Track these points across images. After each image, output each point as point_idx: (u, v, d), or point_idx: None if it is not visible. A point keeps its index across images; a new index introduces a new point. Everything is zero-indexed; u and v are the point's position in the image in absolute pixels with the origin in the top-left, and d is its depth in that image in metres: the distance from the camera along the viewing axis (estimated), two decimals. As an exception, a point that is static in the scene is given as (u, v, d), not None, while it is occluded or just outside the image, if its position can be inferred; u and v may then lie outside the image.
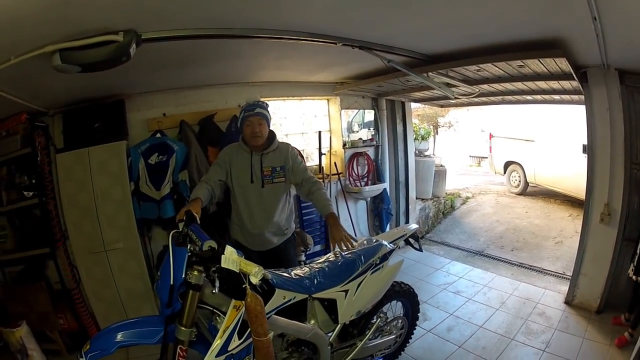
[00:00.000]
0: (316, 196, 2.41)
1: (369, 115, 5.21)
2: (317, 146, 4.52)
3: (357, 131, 5.16)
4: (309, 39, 2.31)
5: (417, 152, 6.30)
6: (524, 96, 4.28)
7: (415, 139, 6.54)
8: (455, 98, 4.20)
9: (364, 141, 5.02)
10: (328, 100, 4.82)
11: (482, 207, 7.14)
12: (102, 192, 3.11)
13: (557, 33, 2.36)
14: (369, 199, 5.03)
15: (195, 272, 1.56)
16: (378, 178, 5.10)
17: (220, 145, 3.39)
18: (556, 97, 4.13)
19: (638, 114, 2.95)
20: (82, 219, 3.10)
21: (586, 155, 3.34)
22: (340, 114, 4.78)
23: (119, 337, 1.58)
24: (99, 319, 3.18)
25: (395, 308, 2.59)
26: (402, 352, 2.69)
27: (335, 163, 4.74)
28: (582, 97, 3.25)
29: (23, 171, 3.05)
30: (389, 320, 2.48)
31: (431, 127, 9.30)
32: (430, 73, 3.22)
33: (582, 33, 2.23)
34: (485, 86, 3.73)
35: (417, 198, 5.84)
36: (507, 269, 4.36)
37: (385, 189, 5.05)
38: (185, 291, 1.57)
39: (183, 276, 1.56)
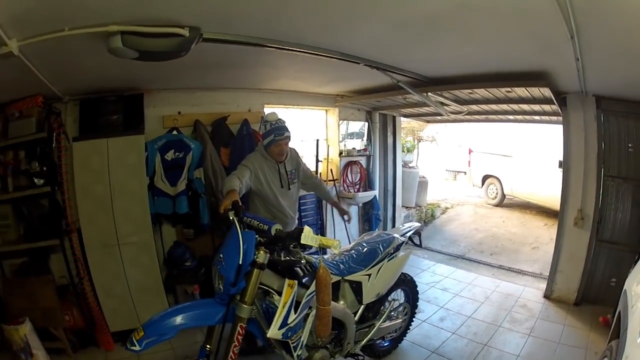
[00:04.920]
0: (322, 189, 3.50)
1: (353, 126, 5.80)
2: (315, 153, 5.03)
3: (341, 141, 5.69)
4: (340, 57, 2.79)
5: (403, 163, 6.96)
6: (507, 116, 4.96)
7: (402, 150, 7.22)
8: (446, 115, 4.82)
9: (358, 151, 5.61)
10: (327, 110, 5.37)
11: (461, 217, 7.88)
12: (119, 184, 3.24)
13: (544, 67, 2.98)
14: (360, 204, 5.59)
15: (262, 252, 1.87)
16: (369, 185, 5.72)
17: (232, 147, 3.86)
18: (536, 117, 4.82)
19: (612, 133, 3.60)
20: (97, 210, 3.20)
21: (562, 169, 3.99)
22: (338, 125, 5.32)
23: (179, 320, 1.74)
24: (107, 314, 3.24)
25: (399, 296, 3.08)
26: (404, 338, 3.17)
27: (331, 170, 5.28)
28: (559, 117, 3.91)
29: (33, 157, 3.04)
30: (395, 306, 2.95)
31: (415, 140, 10.07)
32: (430, 93, 3.80)
33: (566, 68, 2.83)
34: (473, 106, 4.37)
35: (402, 206, 6.51)
36: (488, 270, 4.97)
37: (375, 196, 5.65)
38: (249, 270, 1.86)
39: (252, 257, 1.85)
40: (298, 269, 1.98)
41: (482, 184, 9.04)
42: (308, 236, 1.84)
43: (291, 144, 3.07)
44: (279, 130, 2.84)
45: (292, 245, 1.90)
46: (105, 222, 3.23)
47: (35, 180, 3.02)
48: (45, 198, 3.11)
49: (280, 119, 2.89)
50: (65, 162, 3.12)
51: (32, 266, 3.14)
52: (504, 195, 8.48)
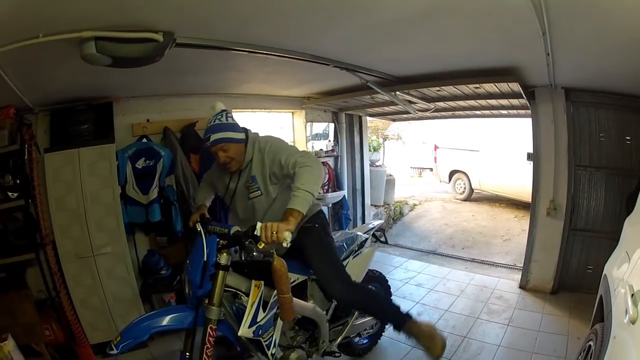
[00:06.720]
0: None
1: (317, 127, 5.89)
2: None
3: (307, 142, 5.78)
4: (310, 59, 2.83)
5: (370, 162, 7.09)
6: (474, 111, 5.12)
7: (369, 150, 7.36)
8: (414, 113, 4.95)
9: (326, 152, 5.71)
10: (293, 113, 5.42)
11: (430, 213, 8.08)
12: (92, 194, 3.22)
13: (514, 63, 3.08)
14: (330, 205, 5.68)
15: (225, 254, 1.97)
16: (338, 186, 5.80)
17: (200, 153, 3.82)
18: (503, 111, 4.98)
19: (582, 124, 3.74)
20: (70, 222, 3.18)
21: (531, 161, 4.14)
22: (305, 127, 5.40)
23: (152, 324, 1.88)
24: (85, 327, 3.18)
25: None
26: (382, 334, 3.24)
27: (299, 172, 5.33)
28: (528, 111, 4.03)
29: (6, 170, 2.95)
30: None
31: (381, 138, 10.27)
32: (398, 92, 3.91)
33: (536, 63, 2.92)
34: (441, 103, 4.50)
35: (371, 205, 6.66)
36: (461, 264, 5.12)
37: (344, 196, 5.77)
38: (214, 273, 1.94)
39: (215, 259, 1.94)
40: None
41: (449, 179, 9.31)
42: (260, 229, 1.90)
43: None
44: (206, 133, 2.27)
45: (247, 242, 1.96)
46: (79, 234, 3.21)
47: (9, 194, 2.95)
48: (19, 211, 3.05)
49: (217, 115, 2.28)
50: (37, 174, 3.05)
51: (9, 281, 3.08)
52: (472, 190, 8.77)
